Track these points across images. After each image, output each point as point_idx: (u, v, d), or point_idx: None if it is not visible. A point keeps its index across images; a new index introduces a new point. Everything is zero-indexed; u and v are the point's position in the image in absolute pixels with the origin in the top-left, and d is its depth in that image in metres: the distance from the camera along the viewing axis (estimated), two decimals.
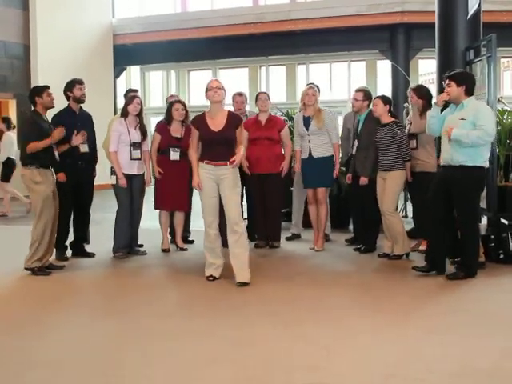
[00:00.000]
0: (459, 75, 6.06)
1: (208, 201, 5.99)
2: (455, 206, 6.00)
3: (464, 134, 5.78)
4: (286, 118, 9.27)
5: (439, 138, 6.70)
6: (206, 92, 6.00)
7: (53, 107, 6.73)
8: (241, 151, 5.98)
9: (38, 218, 6.39)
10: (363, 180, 7.24)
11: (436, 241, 6.19)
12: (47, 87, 6.71)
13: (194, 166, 6.02)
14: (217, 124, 5.95)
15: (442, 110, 6.16)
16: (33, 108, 6.67)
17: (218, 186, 5.96)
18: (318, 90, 7.90)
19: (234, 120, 6.02)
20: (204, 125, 5.99)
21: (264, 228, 7.78)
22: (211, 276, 6.08)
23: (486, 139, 5.83)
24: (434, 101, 6.56)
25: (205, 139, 5.97)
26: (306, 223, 8.37)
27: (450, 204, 6.03)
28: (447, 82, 6.01)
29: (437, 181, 6.24)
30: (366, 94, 7.51)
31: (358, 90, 7.61)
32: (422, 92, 7.14)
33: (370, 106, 7.43)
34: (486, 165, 6.01)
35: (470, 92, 6.00)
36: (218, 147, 5.90)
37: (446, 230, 6.14)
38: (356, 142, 7.43)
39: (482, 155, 5.92)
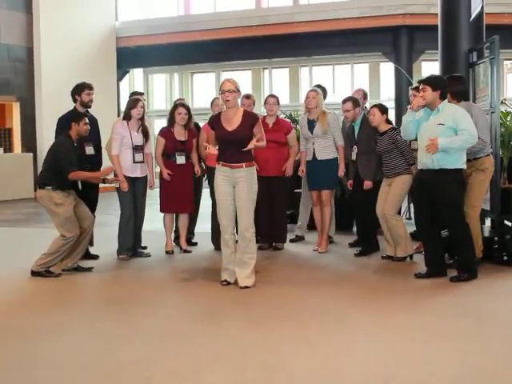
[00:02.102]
0: (434, 80, 6.09)
1: (223, 204, 5.98)
2: (441, 210, 6.01)
3: (449, 141, 5.82)
4: (289, 121, 9.27)
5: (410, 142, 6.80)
6: (220, 94, 6.00)
7: (86, 136, 6.72)
8: (263, 143, 6.01)
9: (64, 237, 6.34)
10: (367, 184, 7.24)
11: (429, 244, 6.22)
12: (86, 116, 6.74)
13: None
14: (232, 124, 5.93)
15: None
16: (66, 132, 6.57)
17: (233, 189, 5.94)
18: (325, 91, 7.90)
19: (249, 119, 5.96)
20: (219, 124, 5.98)
21: (268, 230, 7.80)
22: (225, 281, 6.03)
23: (471, 141, 5.87)
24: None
25: (219, 139, 5.97)
26: (310, 225, 8.39)
27: (434, 207, 6.05)
28: (422, 86, 6.05)
29: (418, 185, 6.27)
30: (354, 101, 7.45)
31: (345, 101, 7.47)
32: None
33: (364, 112, 7.42)
34: (465, 166, 6.03)
35: (444, 96, 6.04)
36: (232, 147, 5.87)
37: (436, 231, 6.19)
38: (355, 148, 7.42)
39: (461, 157, 5.96)
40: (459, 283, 5.88)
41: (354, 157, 7.44)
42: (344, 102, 7.48)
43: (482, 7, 7.68)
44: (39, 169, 6.73)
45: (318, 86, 8.24)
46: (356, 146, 7.40)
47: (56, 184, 6.37)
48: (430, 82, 6.03)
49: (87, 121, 6.62)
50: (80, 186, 6.70)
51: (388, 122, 7.20)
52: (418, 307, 5.22)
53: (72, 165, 6.36)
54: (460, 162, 5.96)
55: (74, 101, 7.30)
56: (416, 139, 6.32)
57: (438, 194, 5.96)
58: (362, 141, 7.35)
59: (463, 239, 6.02)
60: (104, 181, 6.87)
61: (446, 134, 5.88)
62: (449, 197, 5.94)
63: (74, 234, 6.39)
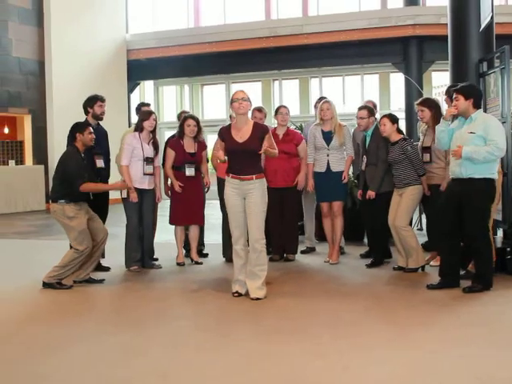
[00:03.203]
0: (467, 88, 6.04)
1: (234, 215, 5.97)
2: (466, 219, 5.96)
3: (474, 150, 5.77)
4: (299, 132, 9.27)
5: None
6: (231, 103, 5.97)
7: (92, 146, 6.74)
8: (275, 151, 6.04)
9: (77, 251, 6.37)
10: (370, 194, 7.22)
11: (448, 254, 6.16)
12: (89, 125, 6.76)
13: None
14: (242, 135, 5.92)
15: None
16: (72, 144, 6.59)
17: (244, 200, 5.93)
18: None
19: (259, 131, 5.95)
20: (229, 136, 5.98)
21: (279, 241, 7.79)
22: (237, 292, 6.02)
23: (496, 154, 5.81)
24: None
25: (229, 150, 5.94)
26: (321, 236, 8.37)
27: (459, 217, 6.01)
28: (455, 95, 6.00)
29: (446, 194, 6.23)
30: (370, 111, 7.47)
31: (361, 108, 7.52)
32: (429, 103, 7.12)
33: (376, 122, 7.42)
34: (495, 176, 5.98)
35: (478, 105, 5.99)
36: (242, 159, 5.86)
37: (457, 243, 6.13)
38: (365, 158, 7.41)
39: (491, 167, 5.90)
40: (473, 294, 5.84)
41: (362, 167, 7.44)
42: (360, 109, 7.51)
43: (492, 17, 7.67)
44: (50, 181, 6.75)
45: (323, 97, 8.26)
46: (365, 155, 7.39)
47: (68, 197, 6.39)
48: (463, 90, 5.99)
49: (91, 130, 6.63)
50: (91, 197, 6.71)
51: (399, 131, 7.18)
52: (433, 319, 5.16)
53: (80, 177, 6.37)
54: (489, 172, 5.89)
55: (86, 113, 7.33)
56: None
57: (465, 203, 5.91)
58: (372, 151, 7.34)
59: (483, 251, 5.97)
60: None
61: (475, 143, 5.82)
62: (475, 207, 5.89)
63: (87, 247, 6.40)
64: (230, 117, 7.98)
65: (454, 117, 6.17)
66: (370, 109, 7.50)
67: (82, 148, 6.58)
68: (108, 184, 6.99)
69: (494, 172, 5.93)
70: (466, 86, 6.14)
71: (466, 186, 5.90)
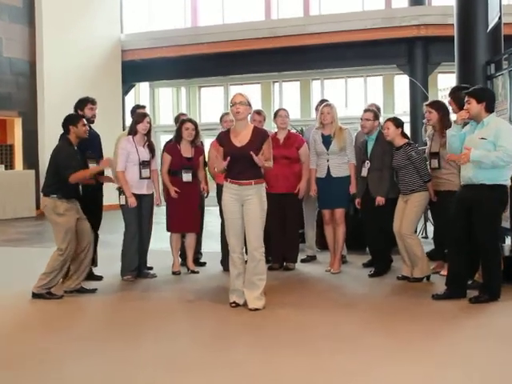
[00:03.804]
0: (479, 91, 6.04)
1: (232, 223, 5.96)
2: (475, 225, 5.95)
3: (483, 155, 5.76)
4: (300, 135, 9.26)
5: None
6: (230, 107, 5.98)
7: (86, 138, 6.74)
8: (270, 164, 6.04)
9: (62, 252, 6.37)
10: (380, 200, 7.20)
11: (457, 262, 6.15)
12: (82, 117, 6.79)
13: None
14: (241, 139, 5.92)
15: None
16: (65, 136, 6.62)
17: (242, 207, 5.92)
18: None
19: (259, 136, 5.96)
20: (228, 140, 5.98)
21: (279, 249, 7.78)
22: (234, 303, 6.00)
23: (506, 160, 5.79)
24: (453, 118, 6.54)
25: (228, 155, 5.91)
26: (322, 244, 8.36)
27: (469, 224, 6.00)
28: (466, 98, 5.98)
29: (457, 200, 6.22)
30: (375, 114, 7.49)
31: (367, 110, 7.53)
32: (438, 106, 7.12)
33: (380, 126, 7.42)
34: (508, 183, 5.98)
35: (490, 109, 5.98)
36: (241, 164, 5.85)
37: (466, 251, 6.11)
38: (367, 164, 7.39)
39: (503, 174, 5.90)
40: (480, 305, 5.83)
41: (364, 173, 7.41)
42: (366, 110, 7.52)
43: (500, 17, 7.67)
44: (41, 186, 6.76)
45: (324, 100, 8.25)
46: (369, 161, 7.39)
47: (60, 192, 6.41)
48: (475, 93, 5.97)
49: (85, 122, 6.65)
50: (81, 191, 6.71)
51: (404, 136, 7.17)
52: (439, 330, 5.15)
53: (70, 167, 6.38)
54: (502, 178, 5.89)
55: None
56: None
57: (475, 210, 5.91)
58: (376, 156, 7.32)
59: (491, 258, 5.96)
60: (100, 180, 7.02)
61: (486, 149, 5.81)
62: (485, 214, 5.88)
63: (70, 248, 6.38)
64: (221, 120, 7.96)
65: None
66: (375, 112, 7.52)
67: (75, 141, 6.59)
68: (95, 167, 6.90)
69: (506, 178, 5.93)
70: (479, 88, 6.14)
71: (477, 192, 5.89)
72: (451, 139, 6.17)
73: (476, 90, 6.07)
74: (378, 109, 8.54)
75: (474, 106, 5.93)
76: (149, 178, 7.32)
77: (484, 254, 6.01)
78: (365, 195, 7.39)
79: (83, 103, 7.33)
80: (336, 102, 8.29)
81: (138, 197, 7.22)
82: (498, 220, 6.05)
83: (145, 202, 7.34)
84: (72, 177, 6.38)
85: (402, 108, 17.67)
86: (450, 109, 6.99)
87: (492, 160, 5.76)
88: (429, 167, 7.06)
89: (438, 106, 7.13)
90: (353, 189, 7.53)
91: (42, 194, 6.62)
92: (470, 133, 6.05)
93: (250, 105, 5.98)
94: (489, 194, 5.87)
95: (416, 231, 7.24)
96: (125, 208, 7.22)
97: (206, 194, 7.94)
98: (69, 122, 6.60)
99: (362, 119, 7.46)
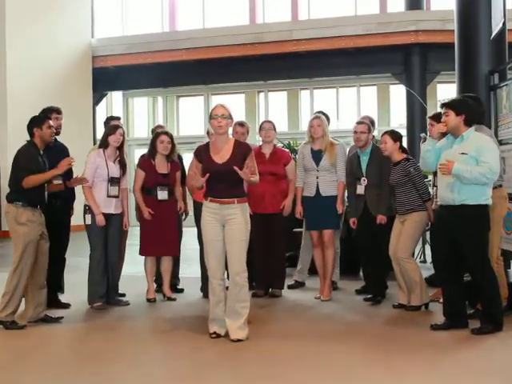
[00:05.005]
0: (458, 103, 6.09)
1: (211, 245, 5.92)
2: (463, 251, 5.95)
3: (465, 169, 5.78)
4: (287, 151, 9.28)
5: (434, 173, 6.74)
6: (210, 119, 5.94)
7: (52, 141, 6.73)
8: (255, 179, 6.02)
9: (15, 265, 6.31)
10: (381, 218, 7.20)
11: (449, 291, 6.15)
12: (49, 118, 6.75)
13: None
14: (221, 155, 5.89)
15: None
16: (30, 140, 6.59)
17: (223, 228, 5.90)
18: (328, 119, 7.90)
19: (241, 150, 5.93)
20: (207, 156, 5.95)
21: (264, 274, 7.76)
22: (215, 333, 5.95)
23: (489, 177, 5.83)
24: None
25: (208, 172, 5.86)
26: (312, 269, 8.34)
27: (454, 247, 6.01)
28: (444, 110, 6.03)
29: (437, 223, 6.23)
30: (369, 127, 7.53)
31: (360, 123, 7.58)
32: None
33: (373, 140, 7.45)
34: (490, 202, 5.99)
35: (470, 122, 6.01)
36: (222, 182, 5.82)
37: (457, 278, 6.12)
38: (364, 181, 7.39)
39: (485, 193, 5.92)
40: (483, 336, 5.82)
41: (360, 190, 7.42)
42: (360, 123, 7.56)
43: (504, 23, 7.73)
44: (3, 208, 6.72)
45: (320, 112, 8.25)
46: (365, 178, 7.39)
47: (23, 199, 6.34)
48: (453, 105, 6.02)
49: (51, 123, 6.62)
50: (46, 198, 6.65)
51: (403, 150, 7.19)
52: (437, 365, 5.12)
53: (26, 170, 6.33)
54: (483, 198, 5.91)
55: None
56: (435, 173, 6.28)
57: (459, 233, 5.92)
58: (373, 173, 7.34)
59: (488, 286, 5.95)
60: (65, 184, 6.99)
61: (468, 164, 5.82)
62: (471, 237, 5.89)
63: (26, 263, 6.29)
64: (208, 133, 7.94)
65: (443, 134, 6.18)
66: (368, 125, 7.54)
67: (41, 145, 6.55)
68: (55, 169, 6.81)
69: (488, 198, 5.96)
70: (458, 100, 6.20)
71: (458, 213, 5.90)
72: (426, 154, 6.20)
73: (454, 101, 6.12)
74: (372, 122, 8.56)
75: (451, 119, 5.96)
76: (117, 196, 7.28)
77: (479, 279, 6.01)
78: (362, 214, 7.40)
79: (47, 113, 7.28)
80: (326, 114, 8.31)
81: (106, 216, 7.19)
82: (485, 241, 6.06)
83: (113, 223, 7.29)
84: (26, 179, 6.31)
85: (397, 121, 17.77)
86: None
87: (475, 176, 5.78)
88: (432, 184, 7.06)
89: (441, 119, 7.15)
90: (340, 207, 7.54)
91: (6, 201, 6.56)
92: (446, 147, 6.07)
93: (231, 118, 5.98)
94: (472, 216, 5.87)
95: (413, 255, 7.24)
96: (90, 229, 7.18)
97: (183, 215, 7.91)
98: (34, 123, 6.57)
99: (355, 132, 7.47)
